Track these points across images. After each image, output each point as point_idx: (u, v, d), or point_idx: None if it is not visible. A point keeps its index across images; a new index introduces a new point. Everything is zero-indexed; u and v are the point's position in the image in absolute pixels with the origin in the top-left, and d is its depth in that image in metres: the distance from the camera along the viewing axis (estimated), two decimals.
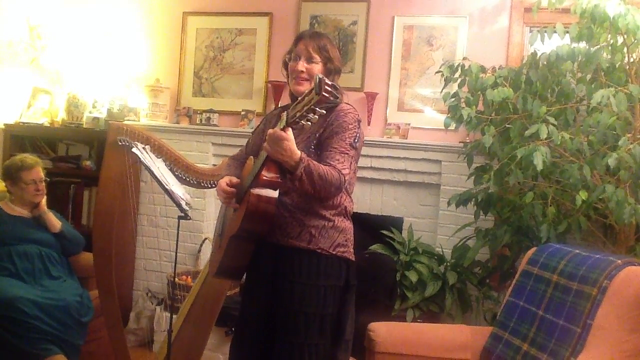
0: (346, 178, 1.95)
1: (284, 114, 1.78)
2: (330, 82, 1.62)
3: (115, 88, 4.25)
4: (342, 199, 2.06)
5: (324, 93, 1.60)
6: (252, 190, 1.93)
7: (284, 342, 1.99)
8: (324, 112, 1.67)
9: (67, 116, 4.27)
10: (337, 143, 1.98)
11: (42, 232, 3.19)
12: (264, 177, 1.90)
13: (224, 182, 2.14)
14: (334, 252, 2.02)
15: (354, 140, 2.00)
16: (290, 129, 1.79)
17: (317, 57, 2.07)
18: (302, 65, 2.07)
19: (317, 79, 1.61)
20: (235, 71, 4.14)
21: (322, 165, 1.91)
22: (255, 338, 2.06)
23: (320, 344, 1.99)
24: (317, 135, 2.02)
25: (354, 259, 2.11)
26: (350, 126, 2.01)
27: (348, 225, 2.10)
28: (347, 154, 1.98)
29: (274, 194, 1.93)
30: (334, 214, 2.04)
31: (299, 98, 1.71)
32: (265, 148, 1.84)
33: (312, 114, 1.67)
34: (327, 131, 2.01)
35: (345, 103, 2.07)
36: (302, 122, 1.70)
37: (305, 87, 2.04)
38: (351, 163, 1.99)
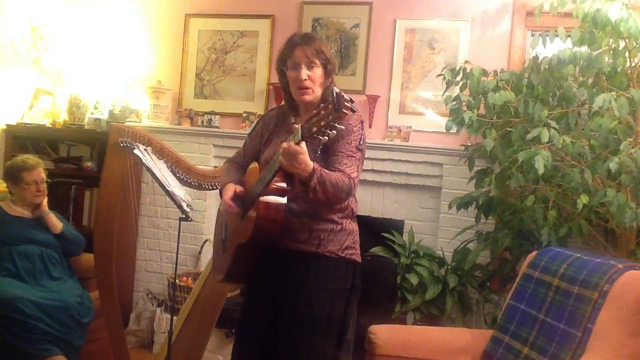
0: (355, 182, 1.95)
1: (299, 128, 1.74)
2: (348, 97, 1.62)
3: (117, 89, 4.25)
4: (349, 201, 2.05)
5: (344, 110, 1.61)
6: (261, 199, 1.92)
7: (289, 344, 1.99)
8: (343, 127, 1.69)
9: (69, 117, 4.27)
10: (343, 147, 1.97)
11: (43, 233, 3.19)
12: (273, 185, 1.90)
13: (229, 196, 2.07)
14: (342, 255, 2.03)
15: (360, 142, 2.00)
16: (304, 142, 1.77)
17: (316, 62, 2.02)
18: (304, 73, 2.00)
19: (335, 95, 1.60)
20: (237, 73, 4.14)
21: (333, 173, 1.90)
22: (258, 340, 2.05)
23: (327, 346, 2.00)
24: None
25: (359, 260, 2.11)
26: (355, 128, 2.00)
27: (355, 227, 2.11)
28: (353, 157, 1.98)
29: (283, 200, 1.93)
30: (342, 217, 2.04)
31: (314, 111, 1.69)
32: (280, 162, 1.81)
33: (329, 130, 1.67)
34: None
35: None
36: (319, 136, 1.69)
37: (311, 96, 2.02)
38: (358, 166, 1.99)
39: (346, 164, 1.95)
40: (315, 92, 2.03)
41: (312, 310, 1.98)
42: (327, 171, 1.88)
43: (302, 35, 2.09)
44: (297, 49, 2.02)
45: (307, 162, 1.80)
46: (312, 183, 1.83)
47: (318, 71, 2.03)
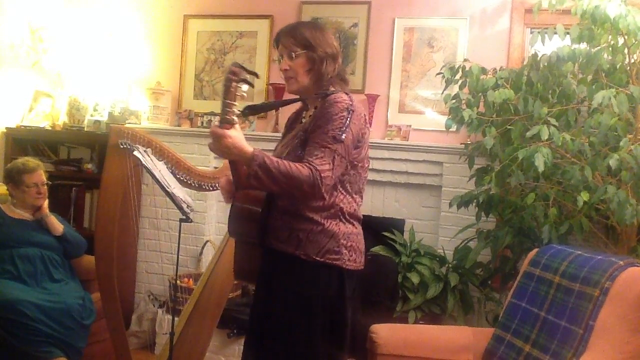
0: (324, 175, 1.76)
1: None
2: (235, 69, 1.66)
3: (116, 91, 4.26)
4: (336, 199, 1.88)
5: (229, 85, 1.68)
6: (239, 191, 1.93)
7: (269, 347, 1.92)
8: (235, 103, 1.73)
9: (69, 119, 4.28)
10: (319, 137, 1.81)
11: (44, 235, 3.19)
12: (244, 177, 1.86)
13: (224, 179, 2.10)
14: (321, 260, 1.85)
15: (339, 132, 1.81)
16: (235, 125, 1.77)
17: (298, 51, 1.93)
18: (284, 63, 1.95)
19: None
20: None
21: (288, 162, 1.77)
22: (259, 340, 2.04)
23: (305, 353, 1.88)
24: (305, 129, 1.90)
25: (350, 267, 1.91)
26: (336, 117, 1.82)
27: (344, 229, 1.90)
28: (328, 148, 1.79)
29: (261, 194, 1.89)
30: (325, 217, 1.87)
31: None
32: (209, 146, 1.80)
33: (228, 108, 1.71)
34: (312, 124, 1.87)
35: (344, 92, 1.91)
36: (227, 117, 1.73)
37: (294, 86, 1.97)
38: (334, 158, 1.79)
39: (316, 155, 1.78)
40: (299, 81, 1.95)
41: (287, 315, 1.87)
42: (275, 159, 1.76)
43: (290, 25, 2.02)
44: (280, 40, 1.99)
45: (237, 145, 1.76)
46: (251, 169, 1.74)
47: (300, 60, 1.93)
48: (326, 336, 1.88)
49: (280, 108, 3.87)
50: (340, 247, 1.88)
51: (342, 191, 1.90)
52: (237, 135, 1.77)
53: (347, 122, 1.83)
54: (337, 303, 1.89)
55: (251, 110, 1.92)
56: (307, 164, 1.77)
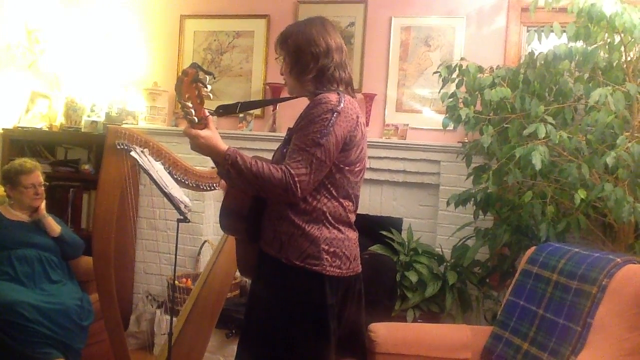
0: (299, 179, 1.72)
1: None
2: (188, 69, 1.68)
3: (113, 91, 4.25)
4: (319, 204, 1.82)
5: (180, 85, 1.70)
6: (230, 188, 1.94)
7: (248, 348, 1.90)
8: (188, 104, 1.71)
9: (66, 120, 4.27)
10: (299, 139, 1.77)
11: (42, 236, 3.19)
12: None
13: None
14: (301, 264, 1.80)
15: (319, 135, 1.74)
16: (208, 125, 1.76)
17: (283, 53, 1.94)
18: (280, 68, 1.97)
19: None
20: (233, 73, 4.14)
21: (264, 164, 1.74)
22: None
23: (284, 357, 1.83)
24: (291, 128, 1.87)
25: (333, 273, 1.83)
26: (318, 119, 1.76)
27: (327, 234, 1.83)
28: (306, 151, 1.74)
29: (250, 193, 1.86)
30: (307, 221, 1.81)
31: None
32: (190, 146, 1.80)
33: (184, 108, 1.72)
34: (296, 125, 1.83)
35: (335, 93, 1.84)
36: (188, 117, 1.72)
37: (288, 88, 1.98)
38: (312, 161, 1.73)
39: (294, 158, 1.74)
40: (289, 83, 1.95)
41: (268, 317, 1.83)
42: (249, 160, 1.74)
43: (286, 28, 2.00)
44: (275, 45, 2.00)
45: (210, 145, 1.75)
46: (223, 168, 1.76)
47: (285, 63, 1.94)
48: (308, 342, 1.82)
49: (277, 106, 3.89)
50: (321, 252, 1.81)
51: (326, 195, 1.83)
52: (209, 134, 1.76)
53: (330, 124, 1.76)
54: (318, 309, 1.82)
55: (224, 110, 1.89)
56: (283, 167, 1.74)
